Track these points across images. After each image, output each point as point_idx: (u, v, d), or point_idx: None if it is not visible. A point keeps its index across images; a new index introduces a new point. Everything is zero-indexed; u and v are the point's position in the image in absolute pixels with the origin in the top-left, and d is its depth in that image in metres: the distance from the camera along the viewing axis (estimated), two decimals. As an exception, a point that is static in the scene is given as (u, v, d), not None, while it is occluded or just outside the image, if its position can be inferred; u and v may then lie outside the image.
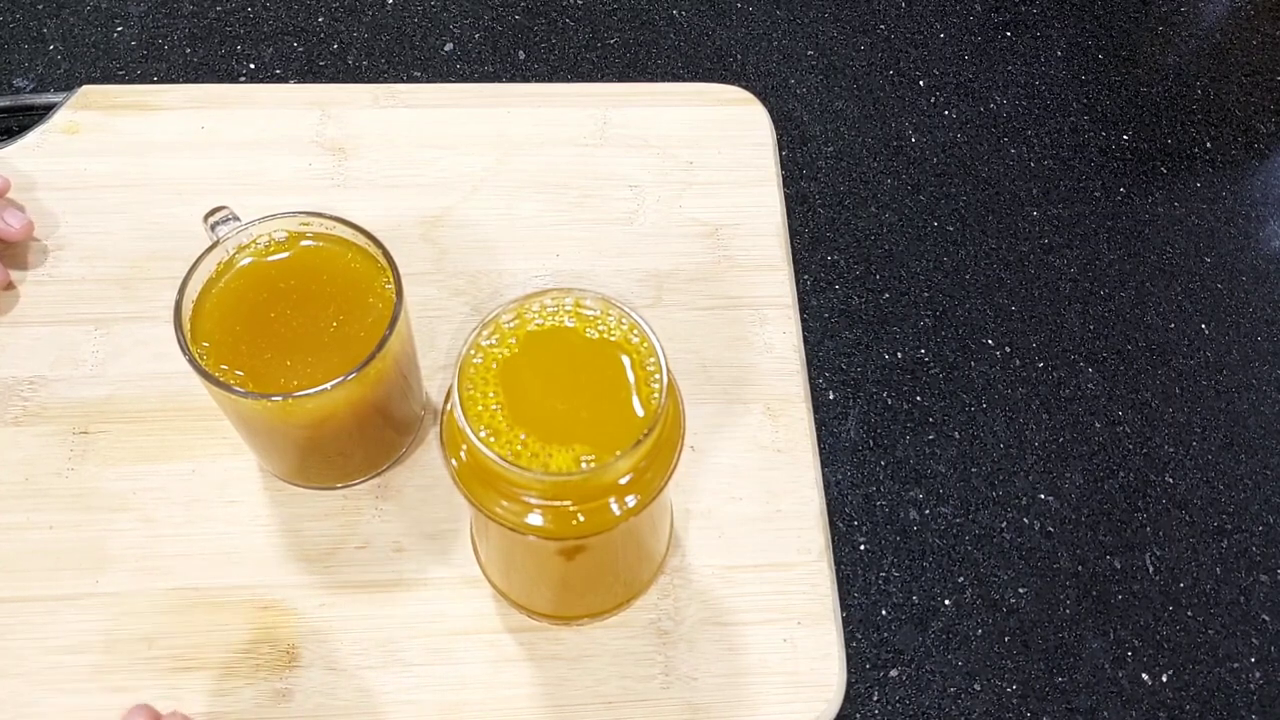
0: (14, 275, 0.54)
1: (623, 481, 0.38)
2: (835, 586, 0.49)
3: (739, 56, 0.70)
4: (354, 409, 0.44)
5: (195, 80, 0.66)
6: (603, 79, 0.68)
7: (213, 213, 0.45)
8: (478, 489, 0.38)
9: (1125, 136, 0.69)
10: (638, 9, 0.72)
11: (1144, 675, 0.51)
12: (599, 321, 0.40)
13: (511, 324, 0.40)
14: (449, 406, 0.39)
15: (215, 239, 0.44)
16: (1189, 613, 0.53)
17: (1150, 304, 0.62)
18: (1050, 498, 0.55)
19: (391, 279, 0.44)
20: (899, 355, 0.59)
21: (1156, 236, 0.65)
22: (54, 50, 0.66)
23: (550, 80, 0.68)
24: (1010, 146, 0.68)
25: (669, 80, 0.68)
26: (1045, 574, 0.53)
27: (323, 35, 0.69)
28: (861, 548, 0.53)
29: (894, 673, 0.50)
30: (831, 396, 0.57)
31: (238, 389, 0.41)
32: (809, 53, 0.71)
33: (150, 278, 0.55)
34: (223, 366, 0.42)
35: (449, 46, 0.69)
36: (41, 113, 0.60)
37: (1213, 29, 0.76)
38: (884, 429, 0.56)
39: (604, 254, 0.57)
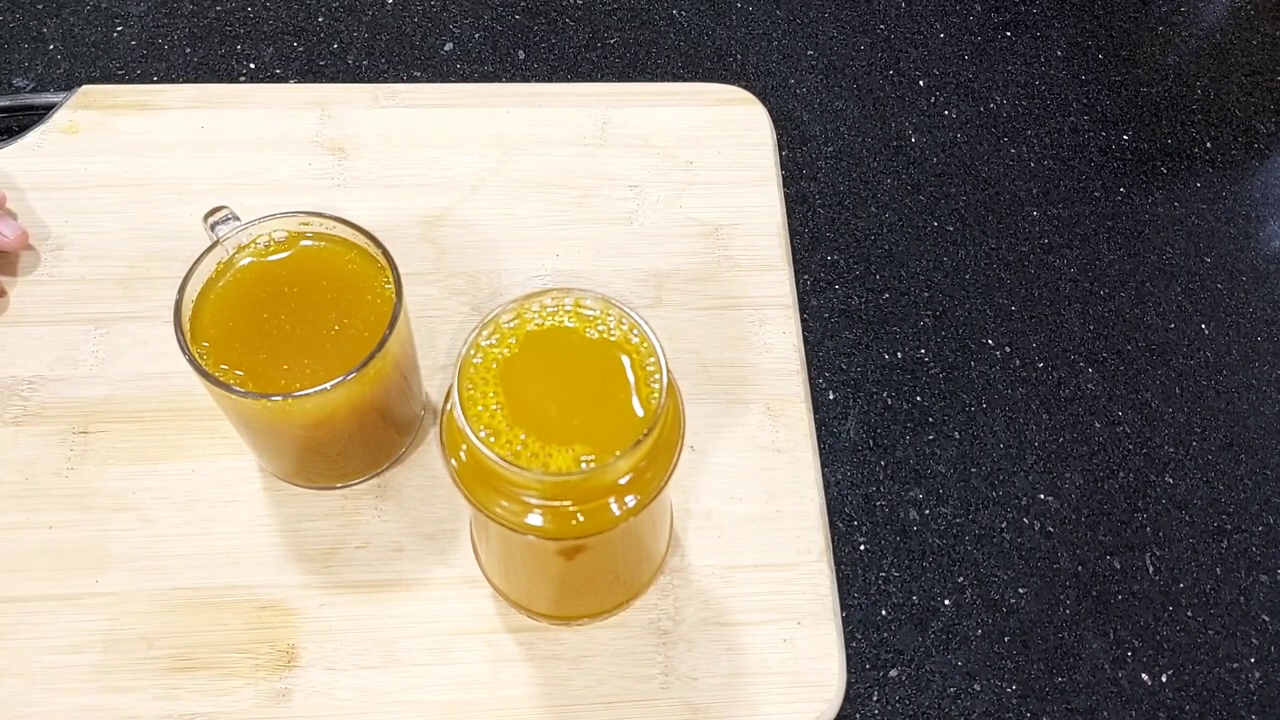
0: (12, 278, 0.54)
1: (622, 481, 0.38)
2: (835, 586, 0.49)
3: (739, 56, 0.70)
4: (354, 409, 0.44)
5: (195, 80, 0.66)
6: (603, 79, 0.68)
7: (213, 213, 0.45)
8: (478, 489, 0.38)
9: (1125, 136, 0.69)
10: (638, 9, 0.72)
11: (1144, 675, 0.51)
12: (599, 321, 0.40)
13: (511, 324, 0.40)
14: (449, 406, 0.39)
15: (215, 239, 0.44)
16: (1189, 613, 0.53)
17: (1150, 304, 0.62)
18: (1050, 498, 0.55)
19: (391, 279, 0.44)
20: (899, 355, 0.59)
21: (1156, 236, 0.65)
22: (54, 50, 0.66)
23: (550, 80, 0.68)
24: (1010, 146, 0.68)
25: (669, 80, 0.68)
26: (1045, 574, 0.53)
27: (323, 35, 0.69)
28: (861, 548, 0.53)
29: (894, 673, 0.50)
30: (831, 396, 0.57)
31: (237, 389, 0.41)
32: (809, 53, 0.71)
33: (150, 278, 0.55)
34: (223, 366, 0.42)
35: (449, 46, 0.69)
36: (41, 113, 0.60)
37: (1213, 29, 0.76)
38: (884, 429, 0.56)
39: (604, 254, 0.57)
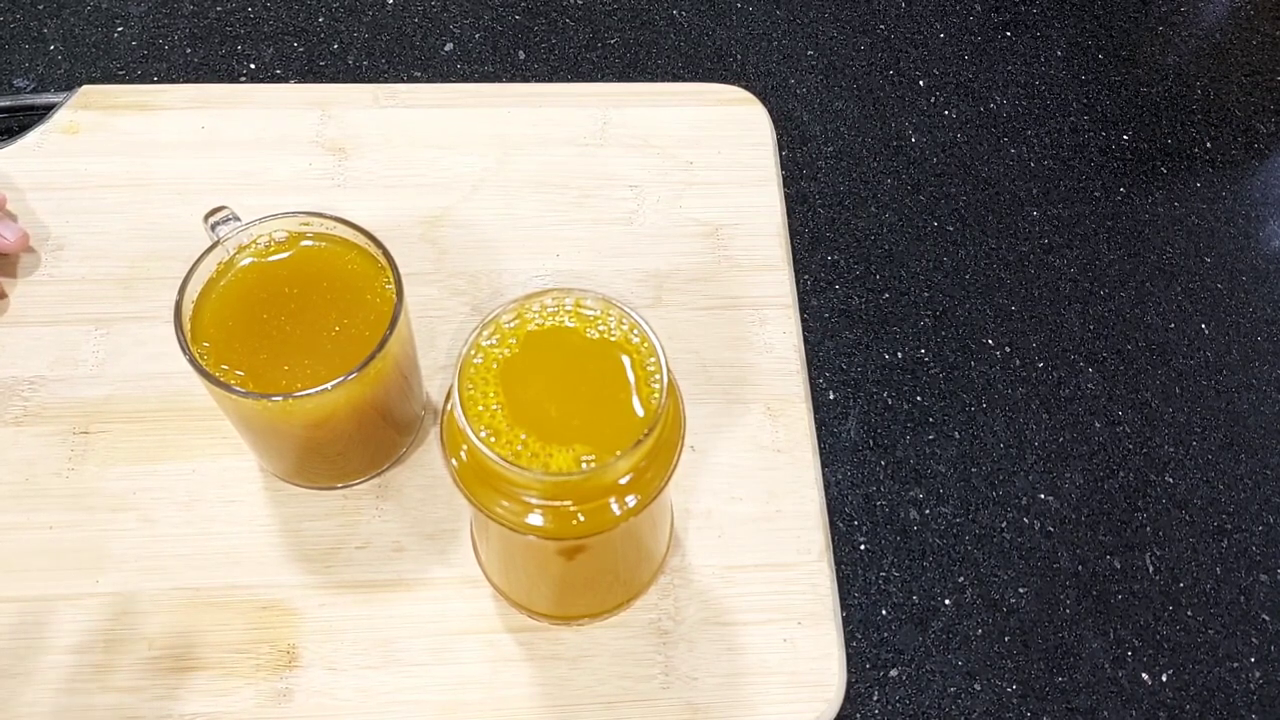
0: (12, 278, 0.54)
1: (623, 481, 0.38)
2: (835, 586, 0.49)
3: (739, 56, 0.70)
4: (354, 409, 0.44)
5: (195, 80, 0.66)
6: (603, 79, 0.68)
7: (213, 213, 0.45)
8: (478, 489, 0.38)
9: (1125, 136, 0.69)
10: (638, 9, 0.72)
11: (1144, 675, 0.51)
12: (599, 321, 0.40)
13: (512, 324, 0.40)
14: (449, 406, 0.39)
15: (215, 239, 0.44)
16: (1189, 613, 0.53)
17: (1150, 304, 0.62)
18: (1050, 498, 0.55)
19: (391, 279, 0.44)
20: (899, 355, 0.59)
21: (1156, 236, 0.65)
22: (54, 50, 0.66)
23: (550, 80, 0.68)
24: (1010, 146, 0.68)
25: (669, 80, 0.68)
26: (1045, 574, 0.53)
27: (323, 35, 0.69)
28: (861, 548, 0.53)
29: (894, 673, 0.50)
30: (831, 396, 0.57)
31: (238, 389, 0.41)
32: (809, 53, 0.71)
33: (150, 278, 0.55)
34: (223, 366, 0.42)
35: (449, 46, 0.69)
36: (41, 113, 0.60)
37: (1213, 29, 0.76)
38: (884, 429, 0.56)
39: (604, 254, 0.57)
